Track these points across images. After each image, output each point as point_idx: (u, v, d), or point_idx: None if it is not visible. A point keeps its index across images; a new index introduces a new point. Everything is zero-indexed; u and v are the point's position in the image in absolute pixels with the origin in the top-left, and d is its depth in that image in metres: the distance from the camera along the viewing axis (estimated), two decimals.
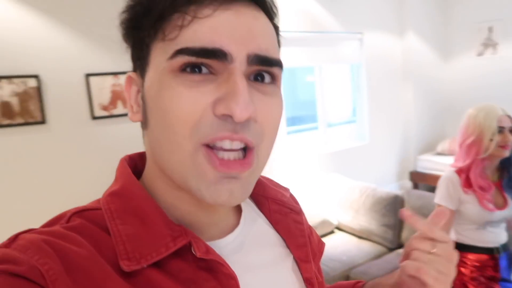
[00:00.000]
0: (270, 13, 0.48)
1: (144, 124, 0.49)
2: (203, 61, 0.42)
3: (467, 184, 1.70)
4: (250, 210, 0.59)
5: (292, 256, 0.58)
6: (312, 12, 3.68)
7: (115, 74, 2.60)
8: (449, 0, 4.63)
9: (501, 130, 1.67)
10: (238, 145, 0.43)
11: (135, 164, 0.55)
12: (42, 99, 2.37)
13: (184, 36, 0.42)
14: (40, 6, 2.35)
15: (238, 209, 0.58)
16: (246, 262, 0.51)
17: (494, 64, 4.31)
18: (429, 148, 4.52)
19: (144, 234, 0.44)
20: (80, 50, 2.49)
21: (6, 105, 2.26)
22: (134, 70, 0.49)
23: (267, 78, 0.46)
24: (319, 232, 3.06)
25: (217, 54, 0.41)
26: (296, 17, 3.58)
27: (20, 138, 2.32)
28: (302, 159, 3.72)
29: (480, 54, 4.42)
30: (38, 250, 0.38)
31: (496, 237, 1.72)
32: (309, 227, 0.67)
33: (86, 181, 2.52)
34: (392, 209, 2.90)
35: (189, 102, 0.41)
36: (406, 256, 0.57)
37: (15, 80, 2.29)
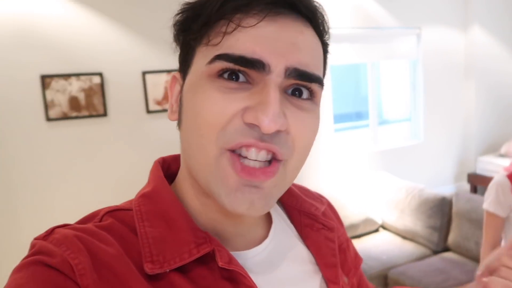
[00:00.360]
0: (320, 29, 0.48)
1: (179, 124, 0.49)
2: (240, 68, 0.42)
3: None
4: (281, 222, 0.58)
5: (321, 275, 0.55)
6: (366, 8, 3.63)
7: (168, 71, 2.82)
8: None
9: None
10: (264, 156, 0.42)
11: (168, 166, 0.55)
12: (104, 94, 2.65)
13: (226, 42, 0.42)
14: (106, 11, 2.63)
15: (269, 221, 0.56)
16: (272, 276, 0.50)
17: None
18: (492, 149, 4.25)
19: (169, 239, 0.44)
20: (139, 51, 2.74)
21: (74, 100, 2.57)
22: (180, 71, 0.50)
23: (305, 93, 0.45)
24: (362, 230, 3.06)
25: (255, 64, 0.41)
26: (350, 13, 3.56)
27: (85, 129, 2.62)
28: (351, 156, 3.71)
29: None
30: (71, 245, 0.40)
31: None
32: (347, 240, 0.64)
33: (140, 168, 2.77)
34: (439, 211, 2.81)
35: (219, 107, 0.41)
36: (491, 272, 0.54)
37: (82, 77, 2.59)
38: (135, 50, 2.73)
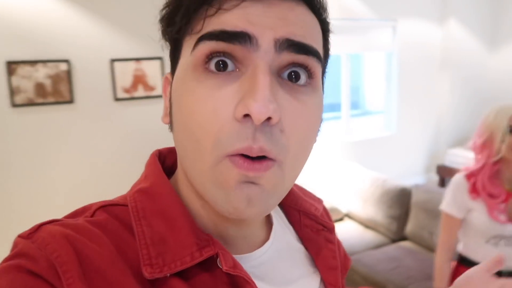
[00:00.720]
0: (315, 6, 0.43)
1: (170, 126, 0.45)
2: (225, 47, 0.38)
3: (475, 189, 1.52)
4: (280, 223, 0.55)
5: (319, 277, 0.53)
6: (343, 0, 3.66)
7: (137, 59, 2.85)
8: None
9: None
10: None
11: (164, 160, 0.52)
12: (71, 81, 2.68)
13: (208, 25, 0.39)
14: None
15: (269, 222, 0.53)
16: (273, 280, 0.48)
17: None
18: (463, 141, 4.33)
19: (169, 240, 0.41)
20: (107, 38, 2.76)
21: (40, 86, 2.61)
22: (171, 70, 0.46)
23: (302, 77, 0.40)
24: None
25: (239, 37, 0.37)
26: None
27: (51, 115, 2.67)
28: (324, 146, 3.78)
29: None
30: (58, 247, 0.36)
31: (508, 257, 1.52)
32: (338, 241, 0.62)
33: (108, 155, 2.82)
34: (399, 201, 2.90)
35: (210, 109, 0.38)
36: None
37: (49, 64, 2.62)
38: (103, 37, 2.75)
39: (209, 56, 0.38)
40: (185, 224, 0.42)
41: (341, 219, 3.27)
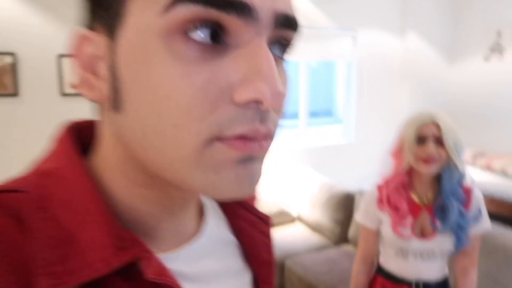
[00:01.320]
0: None
1: (114, 105, 0.34)
2: (217, 16, 0.29)
3: (381, 200, 1.46)
4: (212, 213, 0.49)
5: (251, 273, 0.49)
6: (300, 6, 3.72)
7: None
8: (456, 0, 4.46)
9: (421, 140, 1.36)
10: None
11: (79, 136, 0.42)
12: (16, 74, 2.67)
13: None
14: None
15: (201, 213, 0.47)
16: (201, 277, 0.42)
17: (500, 71, 4.11)
18: None
19: (77, 239, 0.32)
20: (55, 32, 2.76)
21: None
22: (90, 25, 0.34)
23: (283, 50, 0.35)
24: (276, 221, 3.16)
25: (238, 7, 0.29)
26: None
27: None
28: (278, 152, 3.81)
29: (486, 58, 4.23)
30: None
31: (417, 269, 1.43)
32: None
33: None
34: (343, 205, 2.93)
35: (197, 88, 0.30)
36: None
37: None
38: (51, 32, 2.75)
39: (193, 23, 0.29)
40: (99, 218, 0.33)
41: (292, 222, 3.28)
